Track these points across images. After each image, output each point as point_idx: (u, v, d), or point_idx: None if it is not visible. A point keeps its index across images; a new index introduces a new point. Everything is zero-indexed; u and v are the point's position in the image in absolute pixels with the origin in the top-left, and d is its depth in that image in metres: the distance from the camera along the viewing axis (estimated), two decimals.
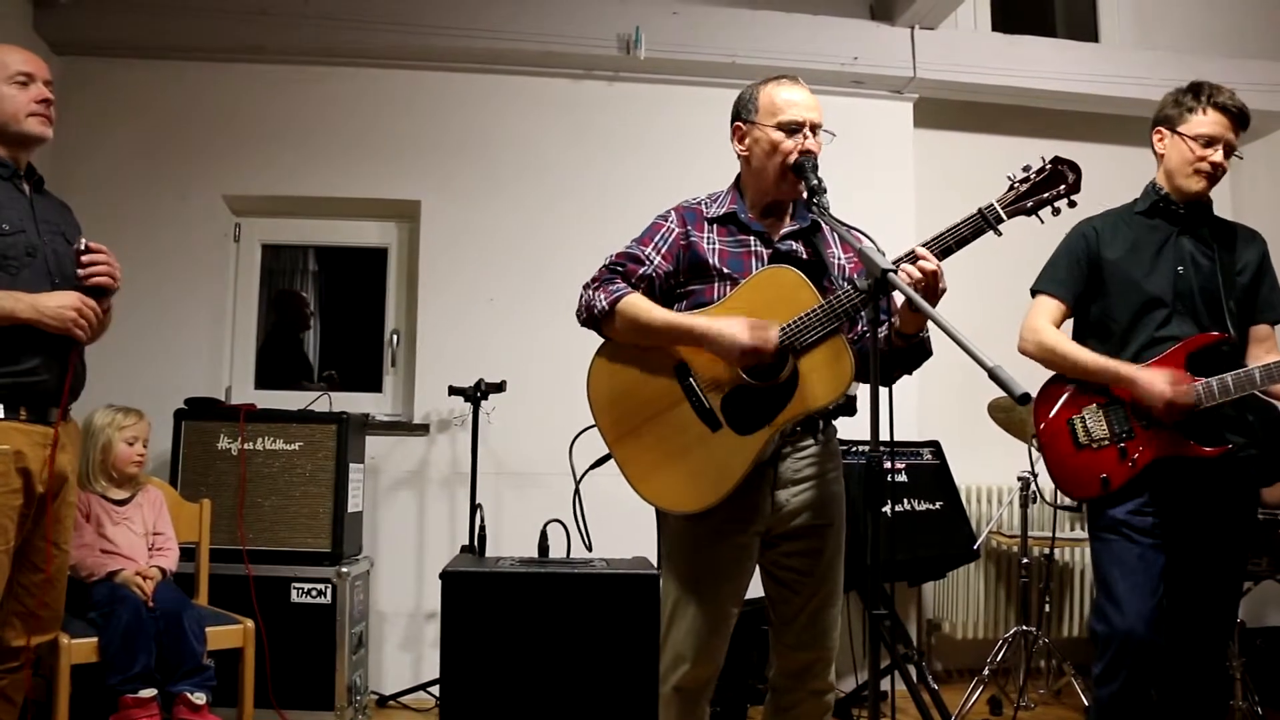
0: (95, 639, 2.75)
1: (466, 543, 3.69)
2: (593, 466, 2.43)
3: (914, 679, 3.40)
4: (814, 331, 1.97)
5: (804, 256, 2.15)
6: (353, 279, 4.46)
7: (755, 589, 2.16)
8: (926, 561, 3.77)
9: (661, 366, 2.10)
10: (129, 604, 2.82)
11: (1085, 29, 4.86)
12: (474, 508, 3.70)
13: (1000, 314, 2.93)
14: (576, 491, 2.31)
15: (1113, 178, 2.84)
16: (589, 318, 2.14)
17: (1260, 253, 2.53)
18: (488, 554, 3.44)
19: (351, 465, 3.58)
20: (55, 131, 2.46)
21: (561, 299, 2.53)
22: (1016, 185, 2.00)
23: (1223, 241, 2.49)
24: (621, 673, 2.42)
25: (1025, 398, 1.48)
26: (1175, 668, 2.43)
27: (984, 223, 1.97)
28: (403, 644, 3.97)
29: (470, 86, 4.19)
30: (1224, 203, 3.03)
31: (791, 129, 2.08)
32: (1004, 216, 1.98)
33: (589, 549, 2.50)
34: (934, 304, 1.90)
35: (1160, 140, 2.51)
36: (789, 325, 1.98)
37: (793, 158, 2.07)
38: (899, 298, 1.87)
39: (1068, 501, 2.63)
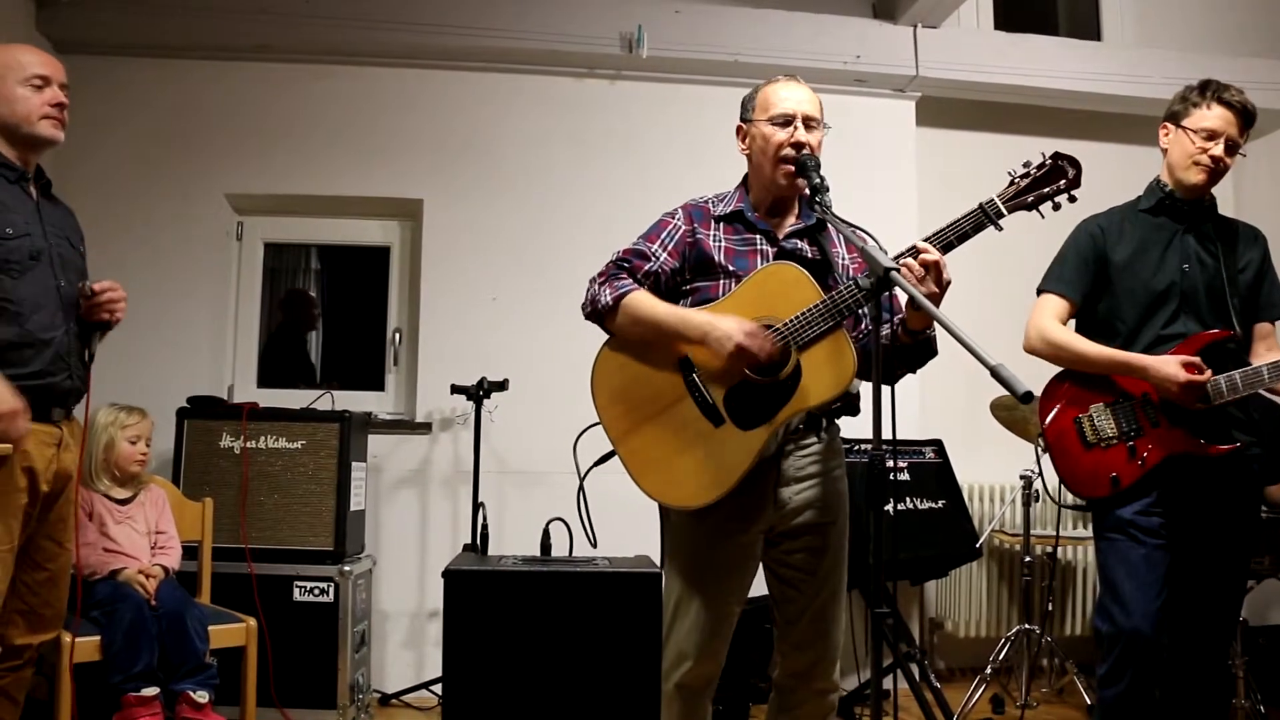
0: (98, 637, 2.75)
1: (469, 541, 3.70)
2: (596, 464, 2.42)
3: (916, 677, 3.40)
4: (815, 328, 1.96)
5: (809, 255, 2.15)
6: (355, 277, 4.45)
7: (758, 588, 2.16)
8: (929, 560, 3.77)
9: (665, 362, 2.10)
10: (131, 602, 2.81)
11: (1088, 28, 4.85)
12: (476, 506, 3.70)
13: (1003, 312, 2.94)
14: (581, 489, 2.31)
15: (1115, 176, 2.85)
16: (593, 312, 2.15)
17: (1262, 251, 2.54)
18: (490, 552, 3.44)
19: (354, 464, 3.58)
20: None
21: (564, 297, 2.53)
22: (1017, 180, 2.01)
23: (1226, 239, 2.50)
24: (624, 671, 2.41)
25: (1028, 396, 1.48)
26: (1177, 666, 2.43)
27: (985, 218, 1.97)
28: (405, 643, 3.97)
29: (473, 85, 4.19)
30: (1226, 200, 3.03)
31: (782, 122, 2.09)
32: (1005, 211, 1.98)
33: (594, 545, 2.50)
34: (941, 294, 1.91)
35: (1165, 135, 2.52)
36: (790, 321, 1.98)
37: (785, 150, 2.08)
38: (903, 296, 1.87)
39: (1075, 500, 2.62)
